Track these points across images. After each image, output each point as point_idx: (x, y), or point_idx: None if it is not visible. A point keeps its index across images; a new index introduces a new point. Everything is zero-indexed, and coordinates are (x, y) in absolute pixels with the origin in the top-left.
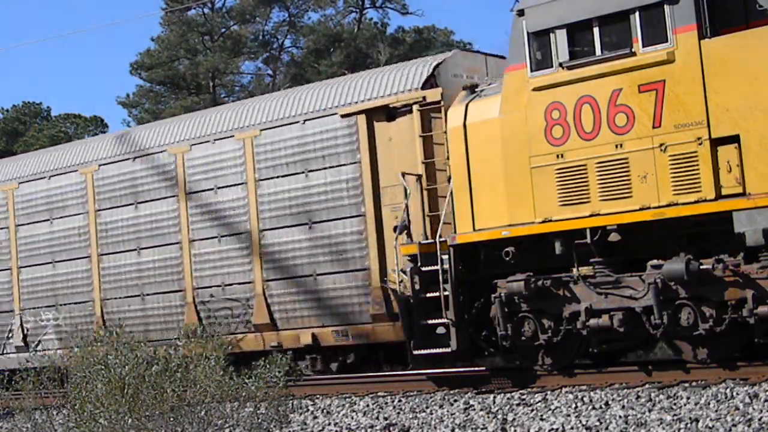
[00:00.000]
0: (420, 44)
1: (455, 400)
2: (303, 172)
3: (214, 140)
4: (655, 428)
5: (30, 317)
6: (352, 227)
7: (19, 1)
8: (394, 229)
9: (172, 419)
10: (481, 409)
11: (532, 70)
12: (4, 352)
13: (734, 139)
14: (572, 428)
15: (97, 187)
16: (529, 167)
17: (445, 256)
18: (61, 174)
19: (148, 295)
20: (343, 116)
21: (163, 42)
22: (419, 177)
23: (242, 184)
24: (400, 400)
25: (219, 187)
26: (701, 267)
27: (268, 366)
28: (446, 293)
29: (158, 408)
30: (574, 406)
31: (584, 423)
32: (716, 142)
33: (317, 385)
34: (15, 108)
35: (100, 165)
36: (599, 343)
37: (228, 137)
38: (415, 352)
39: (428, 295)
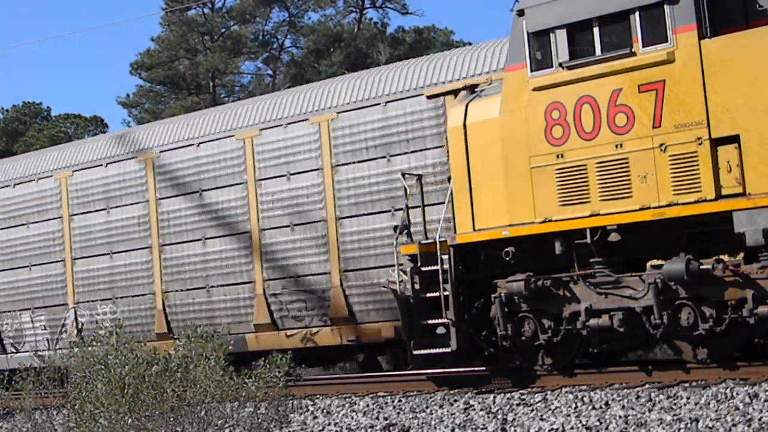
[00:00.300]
0: (420, 44)
1: (455, 400)
2: (384, 157)
3: (287, 124)
4: (655, 428)
5: (85, 311)
6: (438, 214)
7: (19, 1)
8: (395, 228)
9: (172, 419)
10: (481, 409)
11: (532, 70)
12: (57, 348)
13: (734, 139)
14: (572, 428)
15: (158, 175)
16: (529, 167)
17: (445, 256)
18: (120, 161)
19: (213, 287)
20: (429, 97)
21: (163, 42)
22: (419, 177)
23: (317, 170)
24: (400, 400)
25: (291, 174)
26: (701, 267)
27: (268, 366)
28: (446, 293)
29: (158, 408)
30: (574, 406)
31: (584, 423)
32: (716, 142)
33: (317, 385)
34: (15, 108)
35: (161, 152)
36: (599, 343)
37: (302, 121)
38: (415, 352)
39: (428, 295)
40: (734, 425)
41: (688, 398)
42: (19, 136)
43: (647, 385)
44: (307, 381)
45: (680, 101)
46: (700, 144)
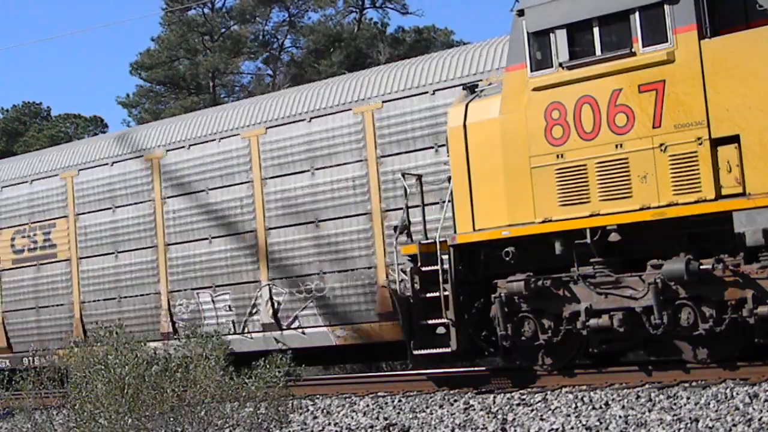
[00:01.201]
0: (420, 44)
1: (455, 400)
2: None
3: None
4: (655, 428)
5: (283, 288)
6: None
7: (19, 1)
8: (394, 228)
9: (172, 419)
10: (481, 409)
11: (532, 70)
12: (244, 330)
13: (734, 139)
14: (572, 428)
15: (379, 129)
16: (529, 167)
17: (445, 256)
18: (327, 115)
19: None
20: None
21: (163, 42)
22: (419, 177)
23: None
24: (400, 400)
25: None
26: (701, 267)
27: (267, 366)
28: (446, 293)
29: (158, 408)
30: (574, 406)
31: (584, 423)
32: (716, 142)
33: (317, 385)
34: (15, 108)
35: (383, 102)
36: (599, 343)
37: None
38: (415, 352)
39: (428, 295)
40: (734, 425)
41: (688, 398)
42: (19, 136)
43: (647, 385)
44: (307, 381)
45: (680, 101)
46: (700, 144)
